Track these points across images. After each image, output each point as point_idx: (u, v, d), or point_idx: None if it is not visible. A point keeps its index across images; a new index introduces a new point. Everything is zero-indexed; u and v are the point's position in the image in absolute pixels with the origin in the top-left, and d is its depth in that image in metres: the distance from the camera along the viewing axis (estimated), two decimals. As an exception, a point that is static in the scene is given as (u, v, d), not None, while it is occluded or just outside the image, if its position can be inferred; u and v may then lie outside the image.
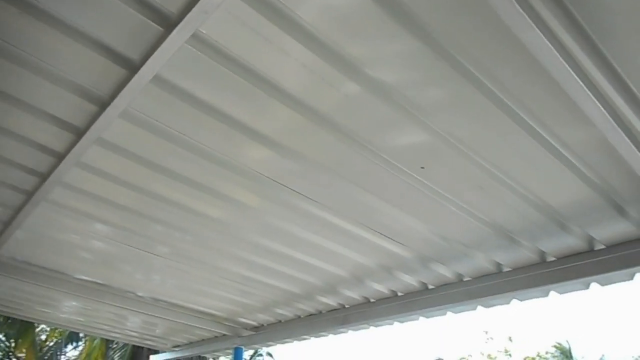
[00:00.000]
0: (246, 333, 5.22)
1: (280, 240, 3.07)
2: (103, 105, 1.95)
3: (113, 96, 1.87)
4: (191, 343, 6.12)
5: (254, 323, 5.12)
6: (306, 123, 1.98)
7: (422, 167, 2.19)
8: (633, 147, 1.72)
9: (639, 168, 1.85)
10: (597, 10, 1.45)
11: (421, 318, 4.11)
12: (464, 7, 1.46)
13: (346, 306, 4.21)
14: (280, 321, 4.89)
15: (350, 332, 4.82)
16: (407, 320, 4.21)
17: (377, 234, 2.86)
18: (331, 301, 4.13)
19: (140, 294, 4.38)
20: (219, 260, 3.49)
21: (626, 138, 1.68)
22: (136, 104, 1.94)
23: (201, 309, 4.72)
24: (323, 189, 2.49)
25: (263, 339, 5.17)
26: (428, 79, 1.74)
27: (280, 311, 4.56)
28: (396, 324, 4.35)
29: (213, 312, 4.81)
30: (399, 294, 3.77)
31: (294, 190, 2.49)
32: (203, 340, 5.92)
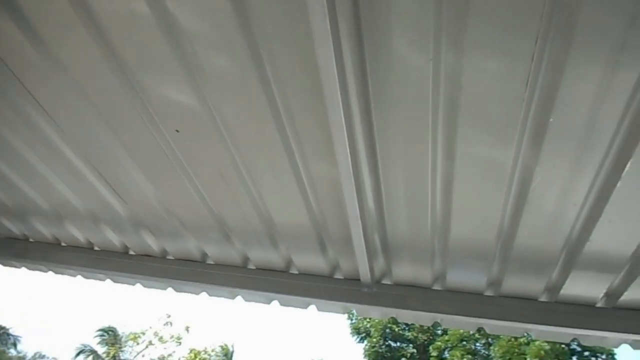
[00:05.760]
0: None
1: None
2: None
3: None
4: None
5: None
6: (79, 27, 1.68)
7: (177, 131, 2.07)
8: (356, 201, 1.96)
9: (350, 219, 2.11)
10: (384, 79, 1.61)
11: (93, 279, 3.87)
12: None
13: (30, 240, 3.68)
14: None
15: (23, 269, 4.25)
16: (90, 278, 3.89)
17: (102, 181, 2.58)
18: (14, 229, 3.56)
19: None
20: None
21: (354, 190, 1.90)
22: None
23: None
24: (65, 108, 2.15)
25: None
26: (222, 46, 1.65)
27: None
28: (79, 277, 4.01)
29: None
30: (96, 248, 3.47)
31: (33, 97, 2.09)
32: None
